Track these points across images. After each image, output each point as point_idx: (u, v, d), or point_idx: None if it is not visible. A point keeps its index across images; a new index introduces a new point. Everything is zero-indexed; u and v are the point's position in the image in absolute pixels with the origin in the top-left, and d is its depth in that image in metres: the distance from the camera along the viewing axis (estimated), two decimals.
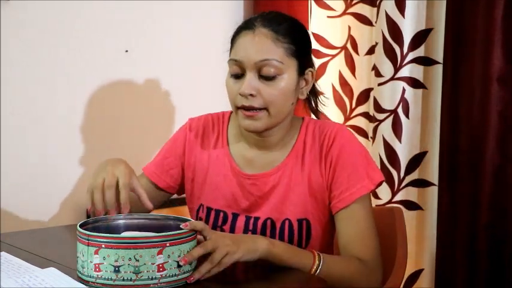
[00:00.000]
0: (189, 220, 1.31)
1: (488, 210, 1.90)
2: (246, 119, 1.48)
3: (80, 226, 1.25)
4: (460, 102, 1.98)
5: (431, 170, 2.09)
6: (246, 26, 1.50)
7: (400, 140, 2.10)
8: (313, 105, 1.66)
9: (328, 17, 2.31)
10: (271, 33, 1.47)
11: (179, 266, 1.20)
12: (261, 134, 1.53)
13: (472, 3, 1.93)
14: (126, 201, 1.36)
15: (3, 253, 1.39)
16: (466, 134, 1.96)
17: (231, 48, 1.52)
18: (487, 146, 1.90)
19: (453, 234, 2.00)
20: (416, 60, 2.08)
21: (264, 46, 1.46)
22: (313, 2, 2.31)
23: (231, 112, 1.65)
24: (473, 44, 1.93)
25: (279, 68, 1.46)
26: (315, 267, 1.37)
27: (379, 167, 2.09)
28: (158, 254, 1.17)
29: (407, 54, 2.08)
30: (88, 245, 1.19)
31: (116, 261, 1.16)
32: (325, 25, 2.31)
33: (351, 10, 2.29)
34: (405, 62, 2.08)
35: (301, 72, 1.52)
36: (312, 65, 1.56)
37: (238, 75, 1.48)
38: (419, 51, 2.07)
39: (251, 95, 1.45)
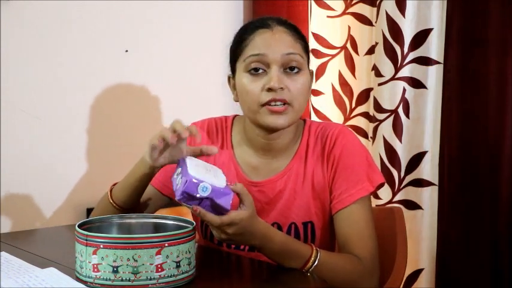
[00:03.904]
0: (190, 221, 1.31)
1: (506, 209, 1.90)
2: (271, 115, 1.45)
3: (79, 226, 1.25)
4: (470, 102, 1.98)
5: (432, 169, 2.09)
6: (260, 25, 1.50)
7: (400, 140, 2.10)
8: None
9: (328, 16, 2.31)
10: (288, 31, 1.49)
11: (178, 267, 1.20)
12: (271, 136, 1.51)
13: (482, 3, 1.93)
14: (183, 128, 1.35)
15: (3, 253, 1.39)
16: (479, 133, 1.95)
17: (243, 48, 1.49)
18: (504, 145, 1.89)
19: (454, 234, 2.01)
20: (417, 60, 2.08)
21: (286, 41, 1.47)
22: (313, 2, 2.31)
23: (233, 117, 1.64)
24: (486, 44, 1.93)
25: (301, 62, 1.48)
26: (310, 263, 1.37)
27: (380, 167, 2.10)
28: (157, 254, 1.17)
29: (407, 54, 2.08)
30: (86, 245, 1.19)
31: (115, 261, 1.16)
32: (325, 25, 2.31)
33: (350, 10, 2.29)
34: (406, 61, 2.08)
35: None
36: None
37: (259, 72, 1.46)
38: (420, 51, 2.07)
39: (281, 88, 1.44)
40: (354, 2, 2.28)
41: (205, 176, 1.27)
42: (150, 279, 1.17)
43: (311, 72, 1.56)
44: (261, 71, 1.46)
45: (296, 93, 1.46)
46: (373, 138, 2.16)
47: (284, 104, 1.45)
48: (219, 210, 1.25)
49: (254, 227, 1.31)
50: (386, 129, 2.11)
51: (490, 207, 1.94)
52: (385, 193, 2.12)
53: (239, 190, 1.28)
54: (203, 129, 1.62)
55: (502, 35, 1.91)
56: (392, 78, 2.10)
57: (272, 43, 1.46)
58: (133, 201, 1.52)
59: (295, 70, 1.47)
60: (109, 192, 1.53)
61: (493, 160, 1.93)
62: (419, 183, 2.10)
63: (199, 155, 1.42)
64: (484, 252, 1.94)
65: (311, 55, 2.21)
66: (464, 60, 1.99)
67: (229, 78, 1.56)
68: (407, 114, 2.09)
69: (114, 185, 1.55)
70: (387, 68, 2.10)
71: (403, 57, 2.08)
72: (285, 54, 1.46)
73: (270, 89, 1.44)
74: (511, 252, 1.91)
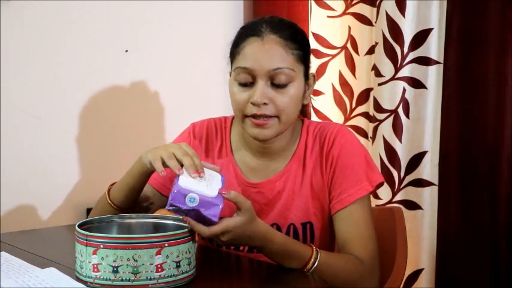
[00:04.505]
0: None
1: (506, 209, 1.90)
2: (255, 127, 1.45)
3: (79, 226, 1.25)
4: (469, 102, 1.98)
5: (432, 169, 2.09)
6: (252, 33, 1.47)
7: (400, 140, 2.10)
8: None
9: (328, 17, 2.31)
10: (281, 40, 1.45)
11: (178, 267, 1.20)
12: (266, 141, 1.51)
13: (482, 3, 1.93)
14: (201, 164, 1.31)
15: (3, 253, 1.39)
16: (478, 133, 1.95)
17: (235, 55, 1.48)
18: (503, 145, 1.89)
19: (454, 234, 2.01)
20: (417, 60, 2.08)
21: (275, 54, 1.44)
22: (313, 2, 2.31)
23: (233, 118, 1.63)
24: (485, 44, 1.93)
25: (291, 75, 1.45)
26: (310, 264, 1.37)
27: (379, 167, 2.10)
28: (157, 254, 1.17)
29: (407, 54, 2.08)
30: (86, 245, 1.19)
31: (115, 261, 1.16)
32: (325, 25, 2.31)
33: (351, 10, 2.29)
34: (406, 61, 2.08)
35: (306, 77, 1.51)
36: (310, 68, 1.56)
37: (247, 84, 1.45)
38: (420, 51, 2.07)
39: (264, 103, 1.43)
40: (354, 2, 2.28)
41: (198, 184, 1.25)
42: (150, 279, 1.17)
43: (312, 76, 1.55)
44: (249, 83, 1.45)
45: (283, 106, 1.44)
46: (373, 138, 2.17)
47: (270, 117, 1.44)
48: (207, 221, 1.24)
49: (252, 231, 1.30)
50: (386, 129, 2.11)
51: (489, 207, 1.94)
52: (385, 193, 2.12)
53: (233, 198, 1.26)
54: (202, 131, 1.62)
55: (502, 35, 1.91)
56: (392, 78, 2.10)
57: (260, 56, 1.44)
58: (131, 201, 1.52)
59: (284, 83, 1.45)
60: (107, 193, 1.53)
61: (492, 160, 1.93)
62: (419, 183, 2.10)
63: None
64: (484, 252, 1.94)
65: (311, 55, 2.20)
66: (464, 60, 2.00)
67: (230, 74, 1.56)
68: (407, 114, 2.09)
69: (112, 185, 1.55)
70: (387, 68, 2.10)
71: (403, 57, 2.08)
72: (271, 70, 1.43)
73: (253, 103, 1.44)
74: (511, 252, 1.91)
